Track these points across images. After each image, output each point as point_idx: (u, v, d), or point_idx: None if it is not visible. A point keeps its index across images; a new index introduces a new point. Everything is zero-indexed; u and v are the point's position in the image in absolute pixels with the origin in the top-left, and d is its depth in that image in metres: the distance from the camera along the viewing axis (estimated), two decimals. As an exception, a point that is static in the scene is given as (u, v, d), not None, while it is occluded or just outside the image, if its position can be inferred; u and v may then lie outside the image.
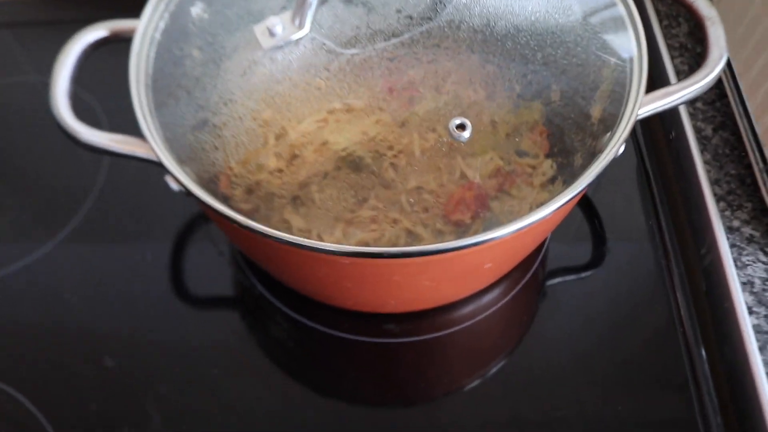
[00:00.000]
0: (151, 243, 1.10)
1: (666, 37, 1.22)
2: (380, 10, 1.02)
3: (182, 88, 0.98)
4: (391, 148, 1.04)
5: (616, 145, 0.80)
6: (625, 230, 1.09)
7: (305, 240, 0.78)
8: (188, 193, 0.83)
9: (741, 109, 1.07)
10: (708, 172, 1.08)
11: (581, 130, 0.99)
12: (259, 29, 0.98)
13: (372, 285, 0.91)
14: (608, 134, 0.86)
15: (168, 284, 1.07)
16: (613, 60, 0.91)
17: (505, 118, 1.13)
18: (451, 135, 0.99)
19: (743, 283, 0.98)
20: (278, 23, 0.96)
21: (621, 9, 0.93)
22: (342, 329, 1.04)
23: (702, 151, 1.10)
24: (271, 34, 0.96)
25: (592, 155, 0.94)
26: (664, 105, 0.86)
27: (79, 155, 1.01)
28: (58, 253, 1.08)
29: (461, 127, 0.99)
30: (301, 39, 0.97)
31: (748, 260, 1.00)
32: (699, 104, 1.17)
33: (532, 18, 1.00)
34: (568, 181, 1.00)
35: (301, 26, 0.94)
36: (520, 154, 1.14)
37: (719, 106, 1.15)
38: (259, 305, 1.06)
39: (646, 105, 0.86)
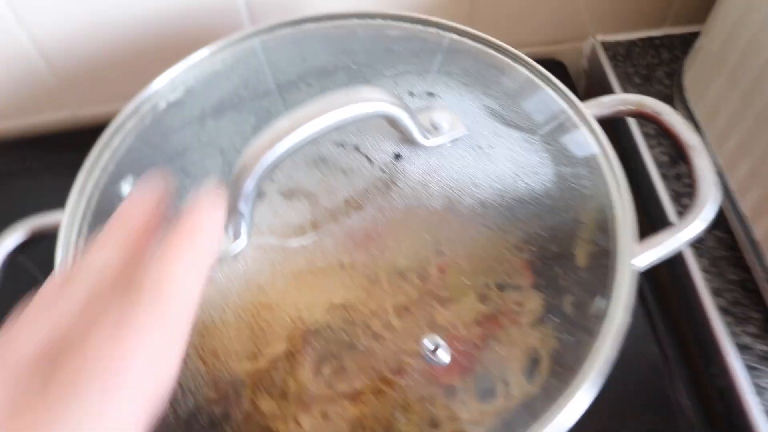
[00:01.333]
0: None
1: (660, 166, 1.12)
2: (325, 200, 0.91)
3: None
4: (359, 311, 0.95)
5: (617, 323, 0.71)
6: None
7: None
8: None
9: (732, 210, 0.99)
10: (708, 281, 1.00)
11: (568, 271, 0.90)
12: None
13: None
14: (599, 296, 0.77)
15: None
16: (592, 208, 0.82)
17: (481, 247, 1.04)
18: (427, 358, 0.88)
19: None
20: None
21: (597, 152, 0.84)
22: None
23: (698, 258, 1.02)
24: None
25: (583, 306, 0.85)
26: (664, 253, 0.78)
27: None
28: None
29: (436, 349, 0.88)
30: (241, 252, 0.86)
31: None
32: (686, 200, 1.08)
33: (498, 187, 0.90)
34: (560, 333, 0.91)
35: (237, 236, 0.83)
36: (502, 286, 1.05)
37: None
38: None
39: (640, 255, 0.77)
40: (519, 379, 0.97)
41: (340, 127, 0.74)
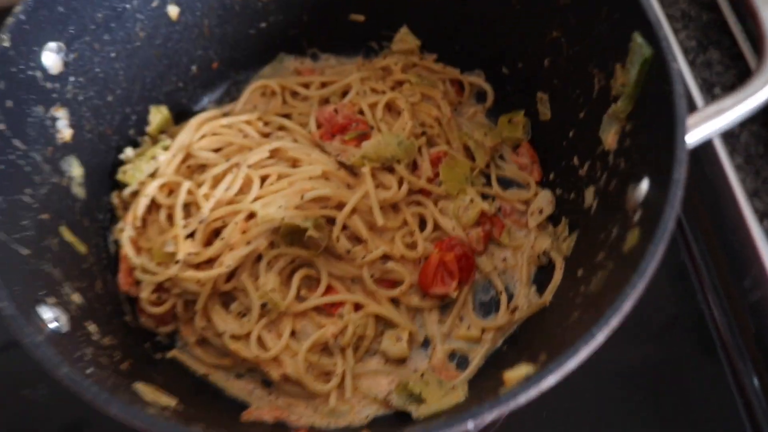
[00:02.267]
0: None
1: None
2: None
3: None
4: (340, 207, 0.79)
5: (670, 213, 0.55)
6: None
7: None
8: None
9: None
10: (742, 181, 0.85)
11: (588, 156, 0.75)
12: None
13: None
14: (642, 181, 0.62)
15: None
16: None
17: (480, 140, 0.89)
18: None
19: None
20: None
21: None
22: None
23: (731, 154, 0.87)
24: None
25: (611, 195, 0.70)
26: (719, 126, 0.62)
27: None
28: None
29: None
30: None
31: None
32: (718, 90, 0.93)
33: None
34: (581, 233, 0.75)
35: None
36: (505, 183, 0.90)
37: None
38: None
39: (694, 128, 0.61)
40: (526, 289, 0.82)
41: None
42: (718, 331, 0.84)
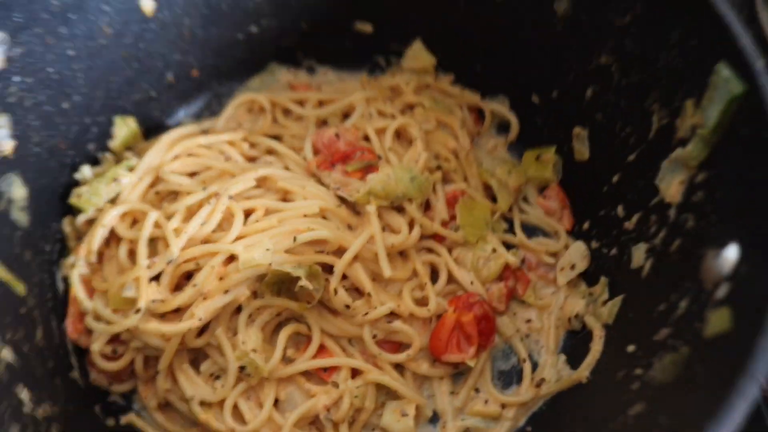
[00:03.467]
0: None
1: None
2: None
3: None
4: (339, 252, 0.65)
5: None
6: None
7: None
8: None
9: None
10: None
11: (638, 207, 0.63)
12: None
13: None
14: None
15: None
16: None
17: (503, 179, 0.76)
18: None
19: None
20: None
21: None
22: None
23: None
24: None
25: (672, 258, 0.58)
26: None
27: None
28: None
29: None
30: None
31: None
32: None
33: None
34: (628, 298, 0.61)
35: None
36: (529, 231, 0.77)
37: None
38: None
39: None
40: (553, 358, 0.69)
41: None
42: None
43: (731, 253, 0.50)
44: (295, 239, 0.64)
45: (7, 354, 0.56)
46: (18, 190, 0.63)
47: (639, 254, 0.63)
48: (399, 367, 0.67)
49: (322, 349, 0.65)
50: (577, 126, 0.72)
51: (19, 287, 0.61)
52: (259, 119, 0.78)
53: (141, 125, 0.75)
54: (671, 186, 0.60)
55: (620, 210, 0.66)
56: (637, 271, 0.63)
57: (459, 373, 0.68)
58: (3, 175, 0.61)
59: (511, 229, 0.74)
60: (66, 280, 0.67)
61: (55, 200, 0.68)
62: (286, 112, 0.78)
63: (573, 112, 0.72)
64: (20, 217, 0.63)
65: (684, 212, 0.58)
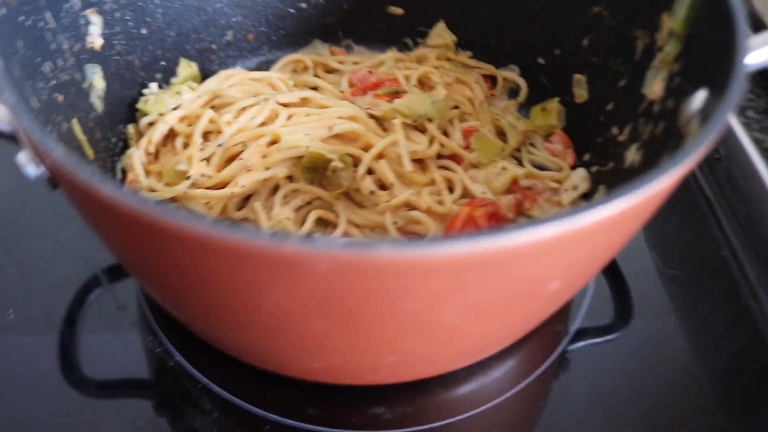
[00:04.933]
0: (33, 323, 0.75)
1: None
2: None
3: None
4: (367, 149, 0.74)
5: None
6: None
7: (255, 233, 0.43)
8: (54, 177, 0.51)
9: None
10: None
11: (630, 119, 0.72)
12: None
13: (365, 324, 0.54)
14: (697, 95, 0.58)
15: (58, 371, 0.70)
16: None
17: (513, 122, 0.86)
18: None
19: None
20: None
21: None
22: (307, 418, 0.68)
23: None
24: None
25: (658, 143, 0.66)
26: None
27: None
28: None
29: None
30: None
31: None
32: (751, 113, 0.93)
33: None
34: (625, 184, 0.69)
35: None
36: (537, 168, 0.86)
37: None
38: (179, 385, 0.70)
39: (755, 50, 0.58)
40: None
41: None
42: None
43: (700, 95, 0.58)
44: (330, 128, 0.74)
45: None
46: (99, 81, 0.74)
47: (630, 154, 0.72)
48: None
49: (345, 236, 0.73)
50: (575, 74, 0.83)
51: (89, 151, 0.71)
52: (303, 76, 0.90)
53: (201, 71, 0.88)
54: (654, 87, 0.69)
55: (614, 130, 0.76)
56: (629, 168, 0.71)
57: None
58: (90, 63, 0.73)
59: (521, 165, 0.83)
60: (124, 171, 0.77)
61: (124, 107, 0.79)
62: (327, 70, 0.90)
63: (572, 63, 0.83)
64: (97, 102, 0.74)
65: (666, 100, 0.67)
